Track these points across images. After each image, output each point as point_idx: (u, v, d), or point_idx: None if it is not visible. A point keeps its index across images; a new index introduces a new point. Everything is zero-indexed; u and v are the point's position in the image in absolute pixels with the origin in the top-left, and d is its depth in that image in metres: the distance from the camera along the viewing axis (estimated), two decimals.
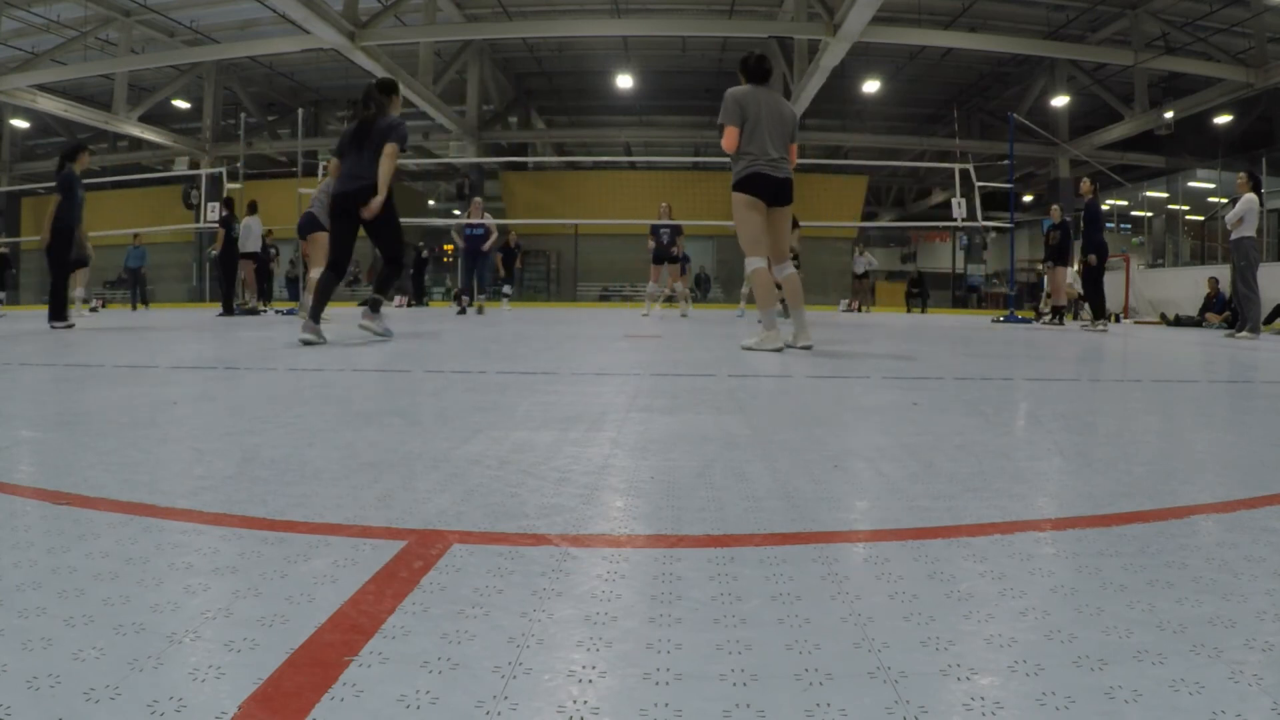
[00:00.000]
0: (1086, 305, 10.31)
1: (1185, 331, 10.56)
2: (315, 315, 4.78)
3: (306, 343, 4.57)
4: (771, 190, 4.45)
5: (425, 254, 18.64)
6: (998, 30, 18.15)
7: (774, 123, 4.42)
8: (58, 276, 7.02)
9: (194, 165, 21.42)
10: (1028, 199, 28.19)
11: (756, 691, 0.68)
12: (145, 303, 15.87)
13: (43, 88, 18.73)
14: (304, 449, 1.67)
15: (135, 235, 16.06)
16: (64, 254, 6.99)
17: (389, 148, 4.73)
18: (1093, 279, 9.78)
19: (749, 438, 1.84)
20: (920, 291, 20.86)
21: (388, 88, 5.03)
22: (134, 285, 15.89)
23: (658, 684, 0.70)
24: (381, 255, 5.08)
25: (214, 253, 11.69)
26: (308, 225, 8.08)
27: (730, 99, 4.42)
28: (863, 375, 3.41)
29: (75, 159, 7.06)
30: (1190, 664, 0.73)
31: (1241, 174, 8.43)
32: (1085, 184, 9.80)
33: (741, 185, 4.44)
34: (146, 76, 21.06)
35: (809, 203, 21.49)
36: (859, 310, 17.59)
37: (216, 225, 11.18)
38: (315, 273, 7.93)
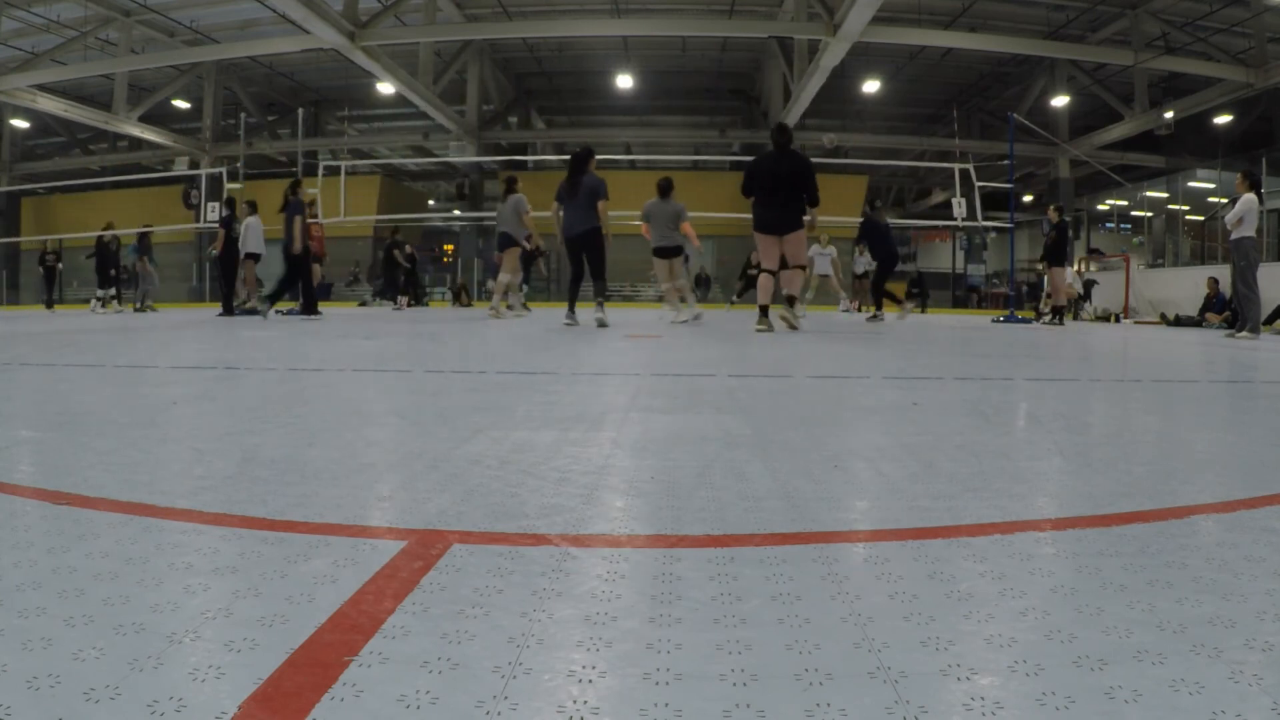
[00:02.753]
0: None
1: (1185, 331, 10.56)
2: (571, 308, 7.54)
3: (568, 325, 7.09)
4: (661, 253, 8.63)
5: (411, 252, 18.33)
6: (998, 30, 18.14)
7: (663, 219, 8.42)
8: None
9: (194, 165, 21.40)
10: (1028, 199, 28.17)
11: (756, 691, 0.68)
12: (121, 301, 15.52)
13: (43, 88, 18.71)
14: (304, 449, 1.67)
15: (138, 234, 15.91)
16: None
17: (602, 204, 7.22)
18: (878, 281, 10.78)
19: (749, 438, 1.84)
20: (920, 291, 20.82)
21: (588, 154, 7.43)
22: (133, 284, 15.71)
23: (658, 684, 0.70)
24: (591, 273, 7.48)
25: (214, 253, 11.65)
26: (503, 241, 10.12)
27: (645, 208, 8.53)
28: (862, 375, 3.41)
29: None
30: (1190, 664, 0.73)
31: (1240, 174, 8.44)
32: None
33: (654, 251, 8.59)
34: (146, 76, 21.05)
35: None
36: (859, 310, 17.57)
37: (217, 225, 11.14)
38: (504, 276, 10.14)
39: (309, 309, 9.92)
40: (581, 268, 7.57)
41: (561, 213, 7.50)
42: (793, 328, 6.74)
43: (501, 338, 5.82)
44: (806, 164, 6.75)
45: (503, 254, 10.14)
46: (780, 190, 6.65)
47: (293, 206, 9.65)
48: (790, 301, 7.01)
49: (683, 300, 9.73)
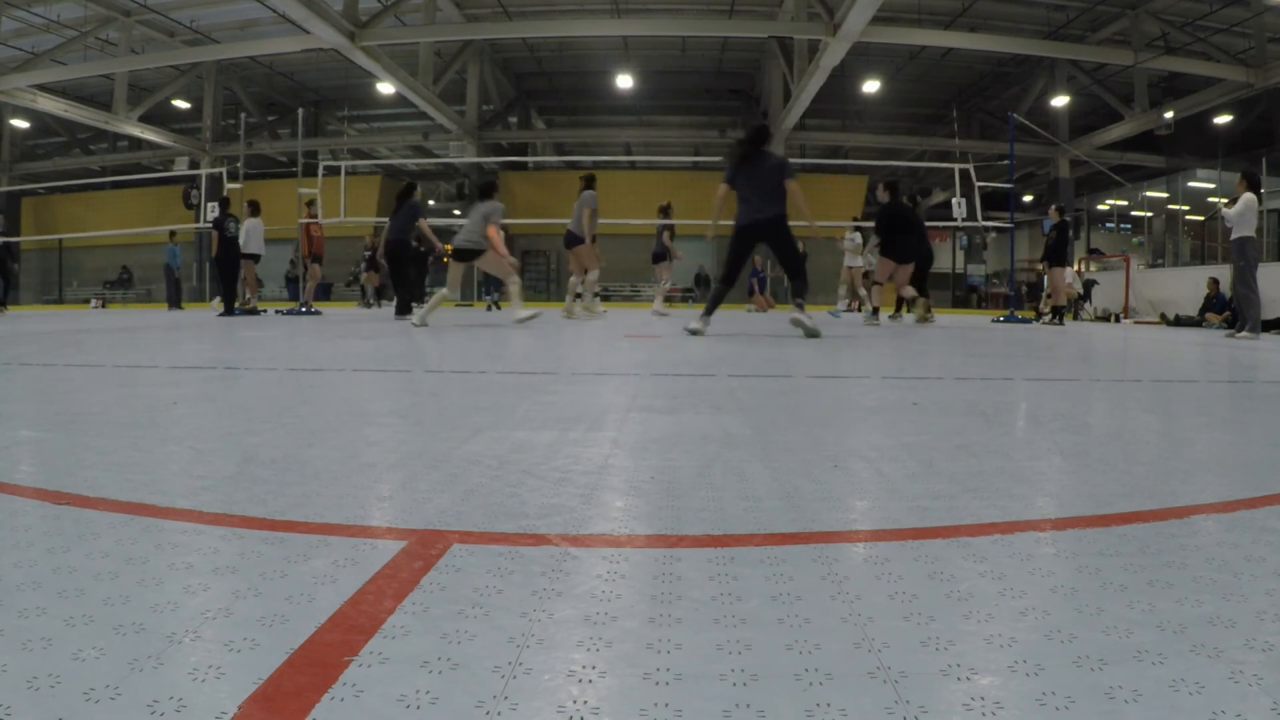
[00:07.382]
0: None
1: (1185, 331, 10.56)
2: (708, 311, 6.16)
3: (693, 333, 5.92)
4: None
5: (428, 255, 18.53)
6: (998, 30, 18.13)
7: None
8: None
9: (194, 165, 21.38)
10: (1028, 199, 28.16)
11: (756, 691, 0.68)
12: (180, 304, 15.38)
13: (43, 88, 18.70)
14: (304, 449, 1.67)
15: (172, 233, 15.81)
16: None
17: (793, 185, 6.00)
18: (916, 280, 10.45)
19: (749, 438, 1.84)
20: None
21: (767, 134, 6.32)
22: (171, 285, 15.59)
23: (658, 684, 0.70)
24: (788, 271, 6.20)
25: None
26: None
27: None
28: (862, 375, 3.41)
29: None
30: (1190, 664, 0.73)
31: (1240, 175, 8.47)
32: (881, 189, 9.93)
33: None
34: (146, 76, 21.03)
35: (809, 203, 21.48)
36: (859, 310, 17.56)
37: (210, 227, 11.02)
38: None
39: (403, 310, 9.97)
40: (740, 266, 6.21)
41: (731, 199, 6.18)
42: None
43: (518, 338, 5.82)
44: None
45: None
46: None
47: (412, 207, 9.61)
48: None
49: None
